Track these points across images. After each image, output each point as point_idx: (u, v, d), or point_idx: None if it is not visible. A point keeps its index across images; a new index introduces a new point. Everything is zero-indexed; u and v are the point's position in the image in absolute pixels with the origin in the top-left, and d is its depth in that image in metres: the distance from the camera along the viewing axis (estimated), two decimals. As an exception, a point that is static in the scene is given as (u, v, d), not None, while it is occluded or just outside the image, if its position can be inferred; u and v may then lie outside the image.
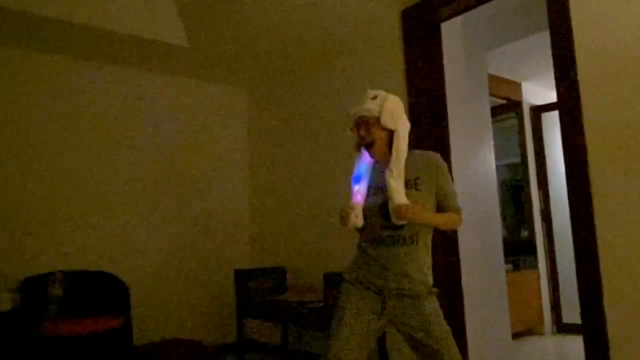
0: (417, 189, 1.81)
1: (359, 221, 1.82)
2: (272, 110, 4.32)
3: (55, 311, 3.08)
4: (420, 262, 1.83)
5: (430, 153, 1.92)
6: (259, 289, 3.59)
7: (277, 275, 3.78)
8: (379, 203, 1.82)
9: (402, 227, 1.79)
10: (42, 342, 2.88)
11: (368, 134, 1.85)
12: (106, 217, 3.73)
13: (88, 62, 3.78)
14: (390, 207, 1.75)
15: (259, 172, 4.43)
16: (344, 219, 1.82)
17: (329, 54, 3.65)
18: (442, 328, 1.79)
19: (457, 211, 1.90)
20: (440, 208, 1.88)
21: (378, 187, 1.85)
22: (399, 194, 1.75)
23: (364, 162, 1.88)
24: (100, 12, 3.33)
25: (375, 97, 1.86)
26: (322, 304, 3.01)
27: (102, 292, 3.30)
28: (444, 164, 1.89)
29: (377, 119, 1.83)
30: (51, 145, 3.58)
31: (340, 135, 3.52)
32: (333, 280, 2.90)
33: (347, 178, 1.94)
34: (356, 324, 1.78)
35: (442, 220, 1.87)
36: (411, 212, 1.73)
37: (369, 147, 1.86)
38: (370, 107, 1.84)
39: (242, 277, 3.58)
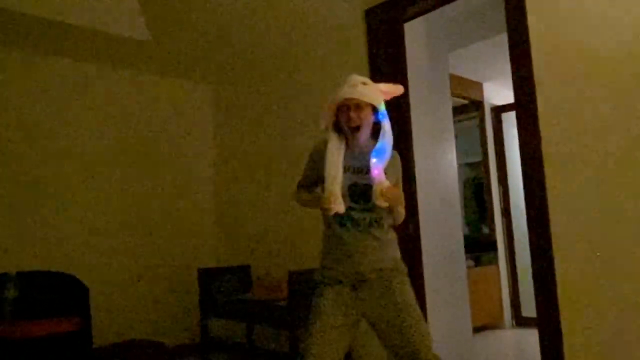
0: (386, 179, 1.85)
1: (342, 207, 1.81)
2: (237, 107, 4.29)
3: (10, 313, 2.99)
4: (385, 242, 1.88)
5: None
6: (223, 288, 3.56)
7: (242, 273, 3.75)
8: (349, 184, 1.86)
9: (369, 210, 1.84)
10: (-4, 345, 2.78)
11: (358, 117, 1.86)
12: (64, 215, 3.62)
13: (46, 56, 3.66)
14: (376, 187, 1.78)
15: (223, 169, 4.39)
16: (327, 207, 1.81)
17: (294, 51, 3.65)
18: (414, 317, 1.82)
19: (404, 207, 1.98)
20: None
21: (348, 169, 1.88)
22: (384, 175, 1.80)
23: (339, 146, 1.88)
24: (59, 5, 3.24)
25: (365, 83, 1.88)
26: (287, 302, 3.01)
27: (59, 293, 3.20)
28: (400, 161, 1.99)
29: (369, 105, 1.86)
30: (4, 141, 3.45)
31: (305, 132, 3.54)
32: (298, 278, 2.91)
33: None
34: (331, 322, 1.80)
35: (402, 211, 1.94)
36: (398, 195, 1.79)
37: (355, 130, 1.87)
38: (364, 91, 1.85)
39: (206, 276, 3.54)
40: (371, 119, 1.89)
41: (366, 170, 1.85)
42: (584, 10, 2.18)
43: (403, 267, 1.91)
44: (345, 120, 1.87)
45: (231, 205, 4.26)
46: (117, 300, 3.75)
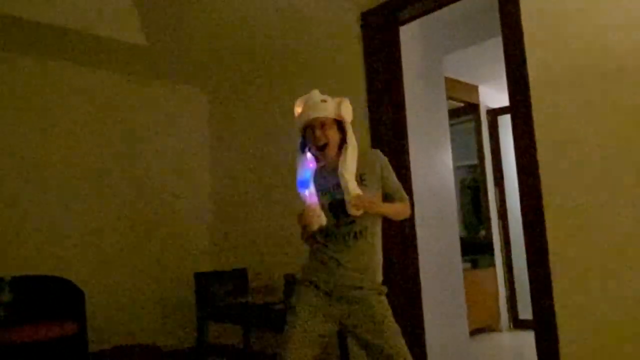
0: (364, 185, 1.85)
1: (323, 219, 1.82)
2: (232, 111, 4.28)
3: (5, 318, 2.97)
4: (370, 257, 1.88)
5: (370, 150, 2.00)
6: (220, 292, 3.54)
7: (238, 277, 3.74)
8: (329, 202, 1.86)
9: (352, 222, 1.84)
10: (-9, 350, 2.76)
11: (324, 135, 1.87)
12: (59, 219, 3.60)
13: (40, 60, 3.65)
14: (346, 198, 1.79)
15: (219, 174, 4.38)
16: (307, 223, 1.81)
17: (289, 55, 3.65)
18: (391, 329, 1.83)
19: (404, 200, 1.98)
20: (387, 199, 1.94)
21: (324, 189, 1.88)
22: (354, 184, 1.81)
23: (308, 167, 1.89)
24: (55, 9, 3.23)
25: (325, 100, 1.90)
26: (283, 305, 3.00)
27: (54, 297, 3.19)
28: (385, 158, 1.96)
29: (333, 121, 1.88)
30: (-1, 145, 3.45)
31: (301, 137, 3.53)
32: (293, 282, 2.90)
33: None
34: (309, 327, 1.80)
35: (393, 210, 1.94)
36: (368, 201, 1.79)
37: (323, 148, 1.88)
38: (326, 108, 1.87)
39: (202, 280, 3.53)
40: (337, 134, 1.89)
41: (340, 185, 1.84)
42: (578, 14, 2.19)
43: (384, 289, 1.91)
44: (312, 139, 1.88)
45: (227, 209, 4.25)
46: (113, 305, 3.73)
